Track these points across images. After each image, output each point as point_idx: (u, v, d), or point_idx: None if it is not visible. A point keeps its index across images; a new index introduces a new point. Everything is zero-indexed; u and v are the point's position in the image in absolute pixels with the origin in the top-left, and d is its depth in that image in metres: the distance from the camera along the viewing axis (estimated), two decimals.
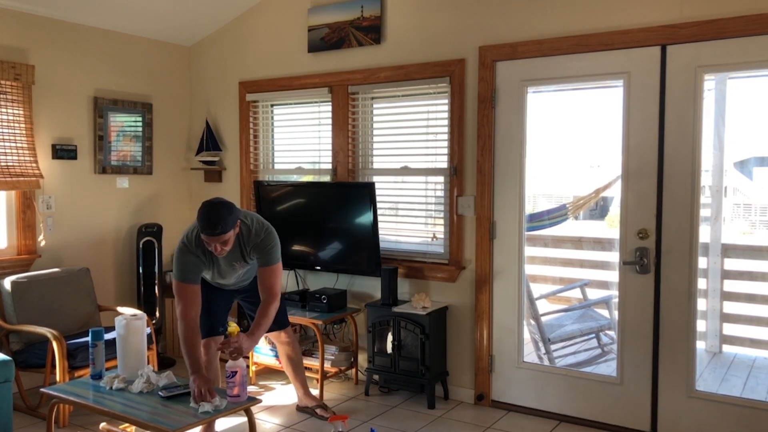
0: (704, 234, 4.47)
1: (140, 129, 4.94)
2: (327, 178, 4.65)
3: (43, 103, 4.32)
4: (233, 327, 3.01)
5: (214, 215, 3.04)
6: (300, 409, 3.94)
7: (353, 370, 4.46)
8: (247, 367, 2.96)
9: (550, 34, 3.71)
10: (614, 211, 6.06)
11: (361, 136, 4.55)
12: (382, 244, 4.25)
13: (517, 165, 3.89)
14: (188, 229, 3.26)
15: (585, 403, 3.74)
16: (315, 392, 4.05)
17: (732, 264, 4.93)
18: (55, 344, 3.62)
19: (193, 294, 3.19)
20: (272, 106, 5.02)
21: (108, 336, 3.29)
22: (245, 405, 2.85)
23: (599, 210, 7.14)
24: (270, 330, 3.77)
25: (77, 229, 4.57)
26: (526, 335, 4.17)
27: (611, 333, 4.88)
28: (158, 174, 5.10)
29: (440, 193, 4.24)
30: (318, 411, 3.84)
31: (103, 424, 3.49)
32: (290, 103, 4.94)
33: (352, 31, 4.41)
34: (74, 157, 4.51)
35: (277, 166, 5.06)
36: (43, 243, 4.35)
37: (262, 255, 3.30)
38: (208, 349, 3.50)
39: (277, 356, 4.39)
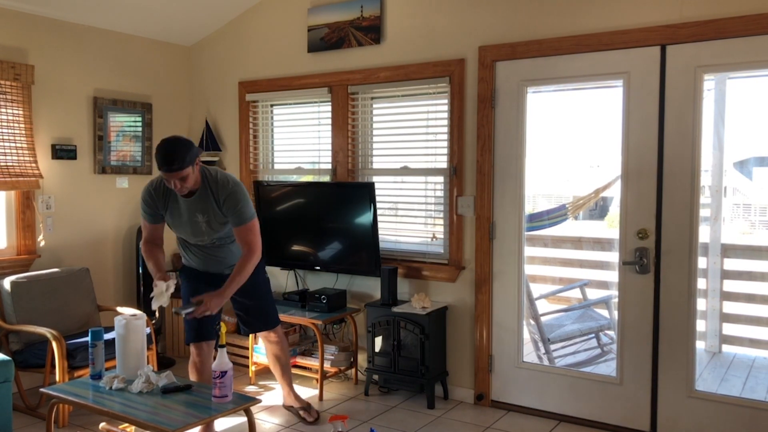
0: (704, 234, 4.47)
1: (140, 129, 4.94)
2: (327, 178, 4.65)
3: (42, 103, 4.32)
4: (224, 328, 2.96)
5: (170, 151, 3.01)
6: (286, 407, 3.91)
7: (353, 370, 4.46)
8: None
9: (549, 34, 3.71)
10: (614, 211, 6.07)
11: (360, 136, 4.55)
12: (381, 244, 4.25)
13: (517, 165, 3.89)
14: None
15: (585, 403, 3.74)
16: (315, 392, 4.05)
17: (731, 264, 4.94)
18: (54, 344, 3.62)
19: (152, 228, 3.37)
20: (272, 106, 5.02)
21: (107, 336, 3.29)
22: (244, 405, 2.85)
23: (599, 210, 7.16)
24: (260, 329, 3.71)
25: (77, 229, 4.56)
26: (526, 335, 4.16)
27: (611, 333, 4.88)
28: (158, 174, 5.07)
29: (440, 193, 4.24)
30: (301, 413, 3.77)
31: (102, 424, 3.49)
32: (290, 103, 4.94)
33: (352, 31, 4.41)
34: (74, 157, 4.50)
35: (276, 166, 5.06)
36: (42, 243, 4.35)
37: (233, 215, 3.20)
38: (201, 351, 3.44)
39: None
